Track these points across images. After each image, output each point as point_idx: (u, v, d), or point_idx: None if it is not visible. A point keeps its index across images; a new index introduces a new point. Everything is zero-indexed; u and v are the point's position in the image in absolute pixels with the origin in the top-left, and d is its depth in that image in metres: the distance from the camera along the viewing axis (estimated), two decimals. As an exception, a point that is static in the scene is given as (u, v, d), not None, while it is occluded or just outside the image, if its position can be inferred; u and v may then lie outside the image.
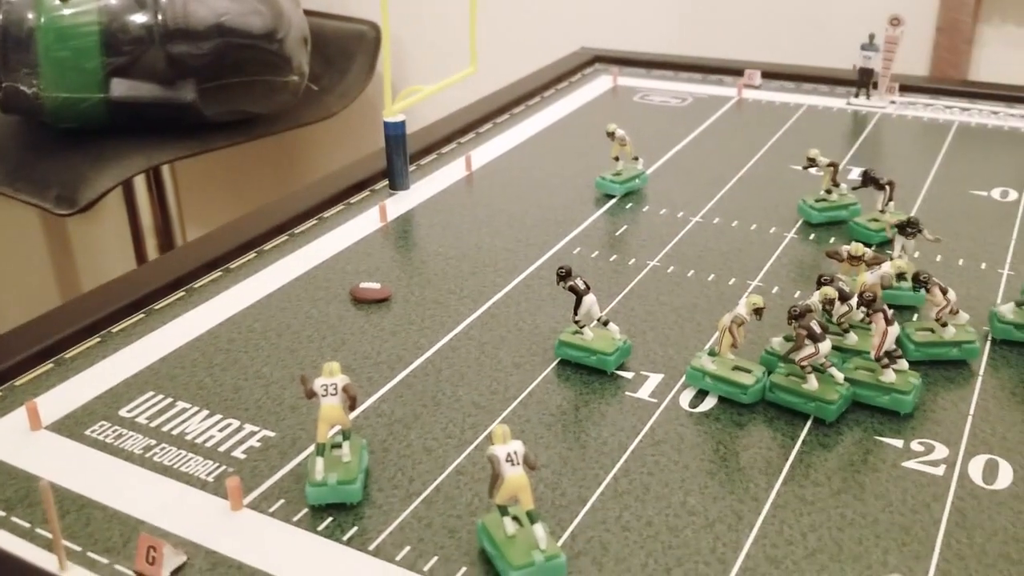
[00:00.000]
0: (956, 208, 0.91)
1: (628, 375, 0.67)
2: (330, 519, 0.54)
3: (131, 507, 0.56)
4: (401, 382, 0.67)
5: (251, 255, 0.85)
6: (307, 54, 1.44)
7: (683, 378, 0.66)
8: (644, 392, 0.65)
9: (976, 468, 0.57)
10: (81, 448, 0.61)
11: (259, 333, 0.73)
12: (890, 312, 0.62)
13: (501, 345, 0.71)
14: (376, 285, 0.78)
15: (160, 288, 0.78)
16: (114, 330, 0.74)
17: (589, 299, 0.67)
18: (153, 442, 0.61)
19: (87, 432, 0.62)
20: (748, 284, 0.78)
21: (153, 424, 0.63)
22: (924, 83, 1.24)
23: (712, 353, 0.65)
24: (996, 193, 0.94)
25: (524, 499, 0.49)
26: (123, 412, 0.64)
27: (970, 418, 0.62)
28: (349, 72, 1.62)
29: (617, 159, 0.96)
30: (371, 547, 0.52)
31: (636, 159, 0.97)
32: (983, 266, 0.80)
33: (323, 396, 0.55)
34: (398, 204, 0.95)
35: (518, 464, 0.49)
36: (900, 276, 0.71)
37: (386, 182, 0.99)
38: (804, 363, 0.61)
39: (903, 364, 0.64)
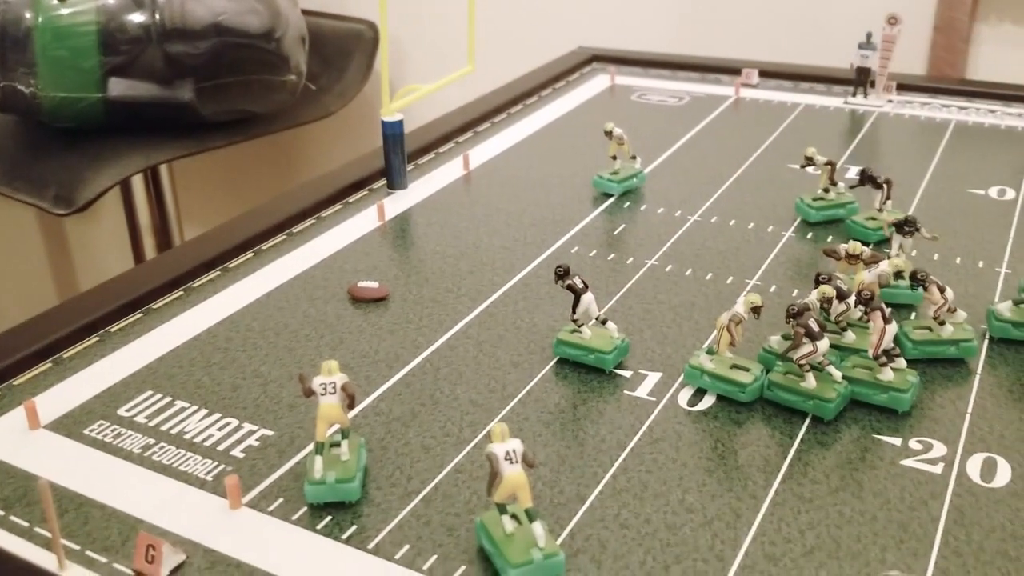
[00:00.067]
0: (954, 207, 0.91)
1: (626, 374, 0.67)
2: (329, 518, 0.54)
3: (130, 506, 0.56)
4: (399, 381, 0.67)
5: (249, 254, 0.85)
6: (305, 53, 1.44)
7: (681, 376, 0.66)
8: (642, 390, 0.65)
9: (974, 466, 0.57)
10: (80, 447, 0.61)
11: (257, 332, 0.73)
12: (888, 310, 0.62)
13: (499, 344, 0.71)
14: (374, 284, 0.78)
15: (158, 287, 0.78)
16: (112, 329, 0.74)
17: (587, 298, 0.67)
18: (152, 441, 0.61)
19: (86, 431, 0.62)
20: (746, 283, 0.78)
21: (152, 423, 0.63)
22: (921, 82, 1.24)
23: (710, 351, 0.65)
24: (993, 192, 0.94)
25: (523, 497, 0.49)
26: (122, 411, 0.64)
27: (968, 416, 0.62)
28: (347, 71, 1.62)
29: (615, 158, 0.96)
30: (370, 545, 0.52)
31: (634, 158, 0.97)
32: (980, 264, 0.80)
33: (321, 395, 0.55)
34: (396, 203, 0.95)
35: (517, 462, 0.49)
36: (898, 274, 0.71)
37: (384, 181, 0.99)
38: (802, 361, 0.62)
39: (901, 362, 0.64)
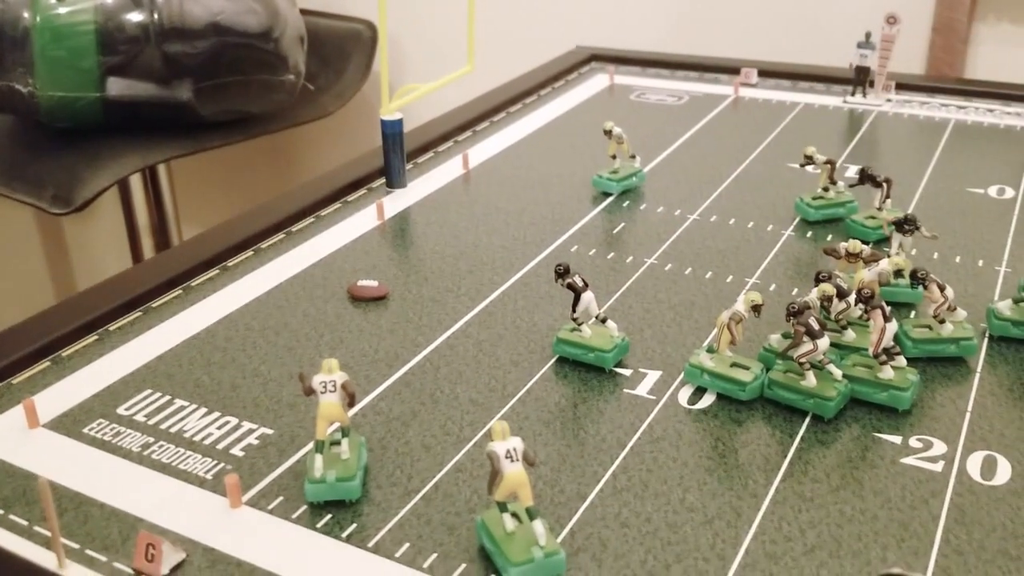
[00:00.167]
0: (953, 205, 0.91)
1: (626, 372, 0.67)
2: (329, 516, 0.54)
3: (130, 505, 0.55)
4: (399, 380, 0.67)
5: (248, 253, 0.85)
6: (303, 53, 1.44)
7: (681, 375, 0.66)
8: (642, 389, 0.65)
9: (974, 464, 0.57)
10: (79, 446, 0.61)
11: (257, 331, 0.73)
12: (888, 309, 0.62)
13: (499, 343, 0.71)
14: (374, 283, 0.78)
15: (157, 286, 0.78)
16: (111, 328, 0.74)
17: (587, 296, 0.67)
18: (151, 440, 0.61)
19: (85, 430, 0.62)
20: (746, 282, 0.78)
21: (151, 422, 0.63)
22: (920, 81, 1.24)
23: (710, 350, 0.65)
24: (993, 191, 0.94)
25: (523, 495, 0.49)
26: (121, 410, 0.64)
27: (968, 414, 0.62)
28: (345, 71, 1.61)
29: (614, 157, 0.96)
30: (370, 544, 0.52)
31: (633, 157, 0.97)
32: (980, 263, 0.80)
33: (322, 393, 0.55)
34: (395, 202, 0.95)
35: (517, 460, 0.49)
36: (898, 273, 0.71)
37: (383, 180, 0.99)
38: (802, 360, 0.61)
39: (901, 361, 0.64)
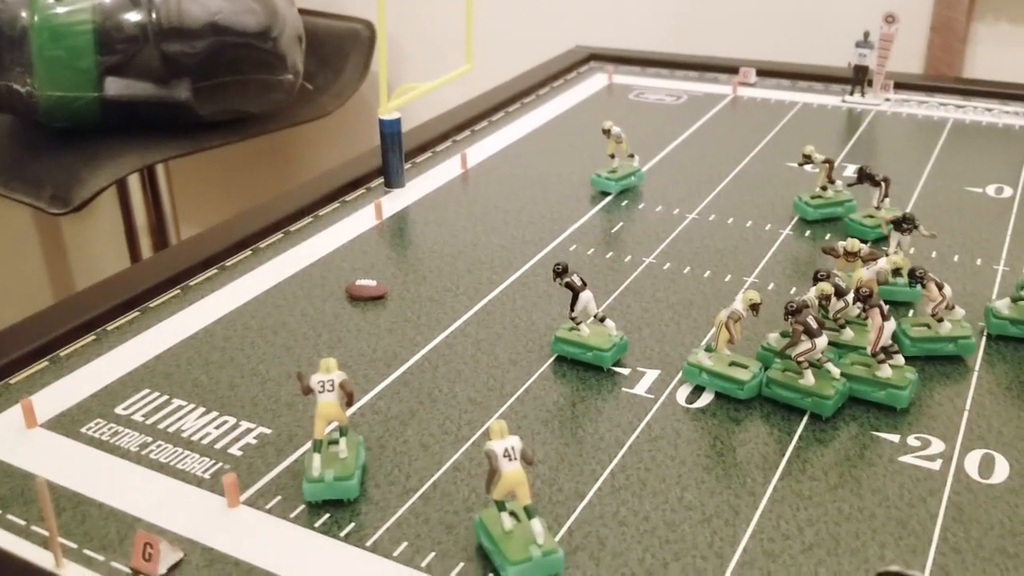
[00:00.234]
0: (951, 204, 0.91)
1: (624, 371, 0.67)
2: (327, 515, 0.54)
3: (127, 504, 0.55)
4: (397, 379, 0.67)
5: (246, 253, 0.85)
6: (302, 53, 1.44)
7: (679, 374, 0.66)
8: (641, 388, 0.65)
9: (972, 463, 0.57)
10: (77, 446, 0.61)
11: (255, 331, 0.73)
12: (886, 308, 0.62)
13: (497, 342, 0.71)
14: (372, 282, 0.78)
15: (155, 286, 0.78)
16: (109, 328, 0.74)
17: (585, 295, 0.67)
18: (149, 439, 0.61)
19: (83, 430, 0.62)
20: (744, 281, 0.78)
21: (149, 421, 0.63)
22: (919, 81, 1.24)
23: (708, 349, 0.65)
24: (991, 190, 0.94)
25: (521, 494, 0.49)
26: (119, 410, 0.64)
27: (966, 413, 0.62)
28: (344, 71, 1.61)
29: (613, 156, 0.96)
30: (368, 543, 0.52)
31: (632, 156, 0.97)
32: (978, 262, 0.80)
33: (320, 392, 0.55)
34: (394, 202, 0.95)
35: (515, 459, 0.49)
36: (896, 272, 0.71)
37: (381, 180, 0.99)
38: (800, 359, 0.61)
39: (899, 359, 0.64)
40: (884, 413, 0.62)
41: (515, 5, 1.65)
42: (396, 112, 0.95)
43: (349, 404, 0.56)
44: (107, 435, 0.61)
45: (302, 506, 0.55)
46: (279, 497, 0.56)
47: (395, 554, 0.51)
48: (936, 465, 0.57)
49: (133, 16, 1.27)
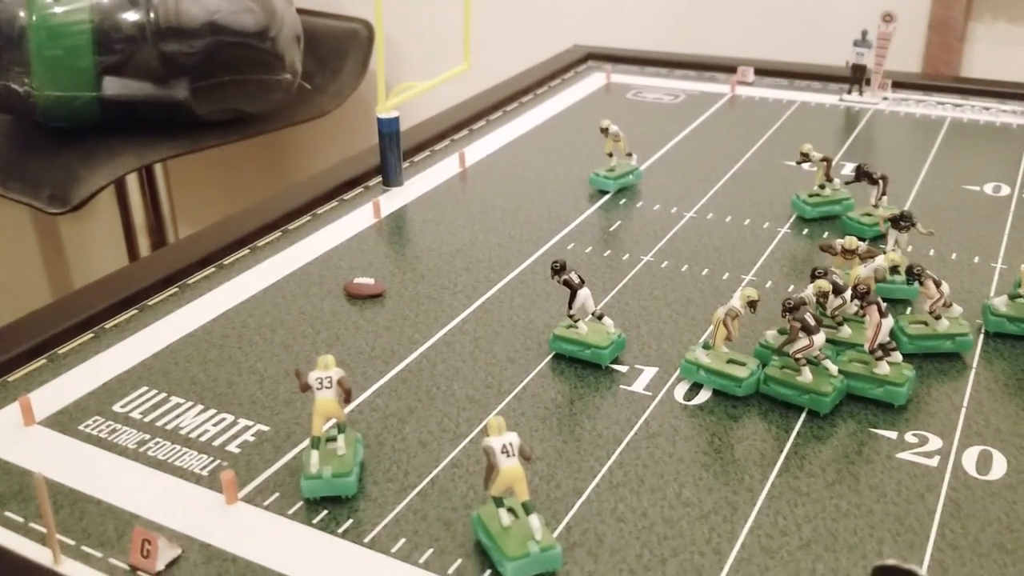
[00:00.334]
0: (949, 202, 0.91)
1: (622, 369, 0.67)
2: (325, 512, 0.54)
3: (125, 501, 0.55)
4: (395, 377, 0.67)
5: (244, 251, 0.85)
6: (300, 52, 1.44)
7: (677, 371, 0.66)
8: (638, 385, 0.65)
9: (970, 459, 0.58)
10: (75, 443, 0.61)
11: (253, 329, 0.73)
12: (884, 305, 0.62)
13: (495, 340, 0.71)
14: (370, 281, 0.78)
15: (153, 284, 0.78)
16: (107, 326, 0.74)
17: (584, 293, 0.67)
18: (147, 437, 0.61)
19: (81, 427, 0.62)
20: (742, 279, 0.78)
21: (147, 419, 0.63)
22: (916, 80, 1.24)
23: (706, 346, 0.65)
24: (988, 188, 0.95)
25: (519, 491, 0.49)
26: (117, 407, 0.64)
27: (964, 410, 0.62)
28: (342, 71, 1.61)
29: (611, 155, 0.96)
30: (366, 539, 0.52)
31: (630, 155, 0.97)
32: (976, 260, 0.80)
33: (318, 389, 0.55)
34: (392, 200, 0.95)
35: (513, 455, 0.49)
36: (894, 269, 0.71)
37: (379, 178, 0.99)
38: (798, 356, 0.62)
39: (897, 356, 0.64)
40: (882, 410, 0.62)
41: (513, 4, 1.65)
42: (394, 111, 0.95)
43: (347, 401, 0.56)
44: (105, 432, 0.61)
45: (300, 503, 0.55)
46: (277, 494, 0.56)
47: (393, 550, 0.51)
48: (934, 462, 0.57)
49: (131, 16, 1.27)
